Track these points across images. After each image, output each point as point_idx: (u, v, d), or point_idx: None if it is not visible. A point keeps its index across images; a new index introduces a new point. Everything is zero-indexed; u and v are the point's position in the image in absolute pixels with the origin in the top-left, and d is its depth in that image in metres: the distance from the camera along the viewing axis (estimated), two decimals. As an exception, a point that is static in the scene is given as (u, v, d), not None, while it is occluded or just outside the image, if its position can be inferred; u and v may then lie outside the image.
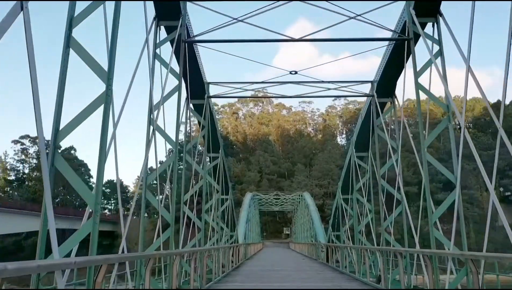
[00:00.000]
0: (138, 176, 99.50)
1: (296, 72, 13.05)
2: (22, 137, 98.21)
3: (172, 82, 10.93)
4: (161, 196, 11.81)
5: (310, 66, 16.40)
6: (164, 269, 11.30)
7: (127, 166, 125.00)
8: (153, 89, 9.71)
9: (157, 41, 10.53)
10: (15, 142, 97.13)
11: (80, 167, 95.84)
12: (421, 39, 10.79)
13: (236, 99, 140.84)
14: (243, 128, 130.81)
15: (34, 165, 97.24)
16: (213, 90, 15.49)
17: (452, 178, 9.40)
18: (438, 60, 10.01)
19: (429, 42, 10.24)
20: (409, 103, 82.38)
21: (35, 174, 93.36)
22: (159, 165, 9.93)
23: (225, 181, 21.62)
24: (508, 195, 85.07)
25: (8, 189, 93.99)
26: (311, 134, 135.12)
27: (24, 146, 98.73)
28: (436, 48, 10.08)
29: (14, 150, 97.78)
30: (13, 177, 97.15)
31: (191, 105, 14.29)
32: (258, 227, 62.79)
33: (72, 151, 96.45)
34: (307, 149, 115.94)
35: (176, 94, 10.70)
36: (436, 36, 10.17)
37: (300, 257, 33.79)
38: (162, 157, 14.92)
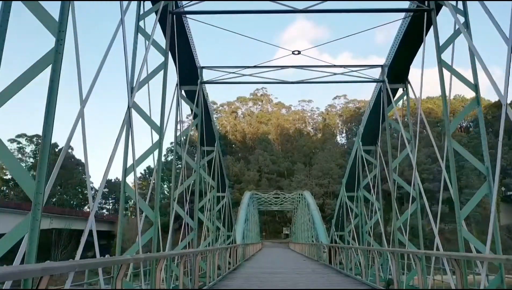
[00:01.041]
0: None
1: (299, 52, 11.68)
2: (18, 136, 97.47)
3: (159, 60, 9.58)
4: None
5: (314, 46, 14.54)
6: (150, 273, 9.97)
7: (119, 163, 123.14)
8: (134, 64, 8.36)
9: (141, 12, 9.19)
10: (12, 140, 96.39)
11: (78, 167, 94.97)
12: (441, 12, 9.48)
13: (235, 98, 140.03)
14: (242, 127, 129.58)
15: (31, 164, 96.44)
16: (207, 76, 14.10)
17: (483, 169, 8.04)
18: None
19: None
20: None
21: (32, 173, 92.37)
22: (139, 155, 8.55)
23: (221, 177, 19.94)
24: (510, 195, 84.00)
25: (4, 188, 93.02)
26: (310, 133, 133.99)
27: (20, 145, 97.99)
28: (460, 19, 8.70)
29: (10, 149, 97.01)
30: (9, 176, 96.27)
31: (182, 92, 12.90)
32: (257, 227, 61.46)
33: (69, 150, 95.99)
34: (306, 148, 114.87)
35: (164, 78, 9.36)
36: (460, 7, 8.80)
37: (300, 258, 32.44)
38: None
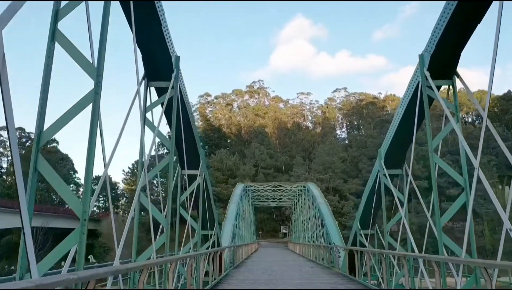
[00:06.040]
0: (124, 171, 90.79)
1: None
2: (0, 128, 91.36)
3: None
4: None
5: None
6: None
7: (116, 159, 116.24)
8: None
9: None
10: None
11: (62, 161, 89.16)
12: None
13: (230, 90, 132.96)
14: (237, 120, 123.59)
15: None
16: None
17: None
18: None
19: None
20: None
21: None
22: None
23: (189, 140, 11.36)
24: (526, 190, 77.60)
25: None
26: (309, 127, 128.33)
27: (1, 138, 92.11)
28: None
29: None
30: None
31: None
32: (252, 225, 54.64)
33: (55, 144, 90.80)
34: (305, 142, 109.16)
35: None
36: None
37: (304, 262, 25.73)
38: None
